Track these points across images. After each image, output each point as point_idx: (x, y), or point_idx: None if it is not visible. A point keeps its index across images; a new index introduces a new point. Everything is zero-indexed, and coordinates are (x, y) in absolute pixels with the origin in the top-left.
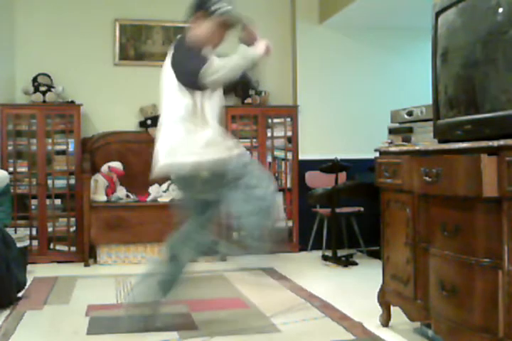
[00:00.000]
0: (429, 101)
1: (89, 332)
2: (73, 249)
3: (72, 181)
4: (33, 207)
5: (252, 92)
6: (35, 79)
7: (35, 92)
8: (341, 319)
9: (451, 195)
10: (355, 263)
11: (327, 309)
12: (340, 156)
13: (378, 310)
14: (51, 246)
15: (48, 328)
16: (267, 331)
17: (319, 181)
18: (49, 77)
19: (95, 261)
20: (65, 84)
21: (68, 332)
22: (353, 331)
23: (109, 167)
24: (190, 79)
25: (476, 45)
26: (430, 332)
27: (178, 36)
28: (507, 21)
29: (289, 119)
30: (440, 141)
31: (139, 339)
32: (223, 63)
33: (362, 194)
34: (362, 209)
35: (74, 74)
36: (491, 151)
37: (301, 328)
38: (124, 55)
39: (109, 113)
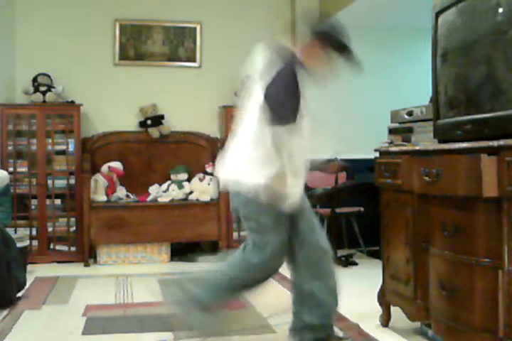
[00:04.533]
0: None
1: (85, 332)
2: (73, 248)
3: (72, 181)
4: (33, 207)
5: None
6: (35, 79)
7: (35, 92)
8: (338, 320)
9: (451, 195)
10: (355, 263)
11: None
12: (340, 156)
13: (378, 310)
14: (51, 246)
15: (44, 328)
16: (262, 332)
17: (319, 181)
18: (49, 77)
19: (95, 261)
20: (65, 84)
21: (63, 332)
22: (348, 332)
23: (109, 167)
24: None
25: (476, 45)
26: (430, 332)
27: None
28: (507, 21)
29: None
30: (440, 141)
31: (134, 340)
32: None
33: (362, 194)
34: (362, 209)
35: (74, 74)
36: (491, 151)
37: None
38: (124, 55)
39: (109, 113)
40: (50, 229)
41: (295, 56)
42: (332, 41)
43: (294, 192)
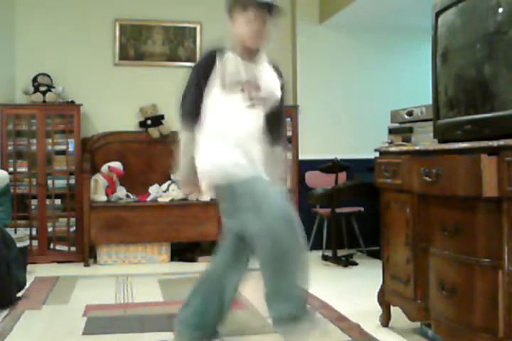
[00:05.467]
0: (429, 101)
1: (85, 332)
2: (73, 249)
3: (72, 181)
4: (33, 207)
5: None
6: (35, 79)
7: (35, 92)
8: (339, 320)
9: (451, 195)
10: (355, 263)
11: (325, 310)
12: (340, 156)
13: (378, 310)
14: (51, 246)
15: (45, 328)
16: (263, 332)
17: (319, 181)
18: (49, 77)
19: (95, 261)
20: (65, 84)
21: (64, 332)
22: (349, 332)
23: (109, 167)
24: None
25: (476, 45)
26: (430, 332)
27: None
28: (507, 21)
29: (289, 119)
30: (440, 141)
31: (134, 340)
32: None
33: (362, 194)
34: (362, 209)
35: (74, 74)
36: (491, 151)
37: None
38: (124, 55)
39: (109, 113)
40: (50, 229)
41: (221, 46)
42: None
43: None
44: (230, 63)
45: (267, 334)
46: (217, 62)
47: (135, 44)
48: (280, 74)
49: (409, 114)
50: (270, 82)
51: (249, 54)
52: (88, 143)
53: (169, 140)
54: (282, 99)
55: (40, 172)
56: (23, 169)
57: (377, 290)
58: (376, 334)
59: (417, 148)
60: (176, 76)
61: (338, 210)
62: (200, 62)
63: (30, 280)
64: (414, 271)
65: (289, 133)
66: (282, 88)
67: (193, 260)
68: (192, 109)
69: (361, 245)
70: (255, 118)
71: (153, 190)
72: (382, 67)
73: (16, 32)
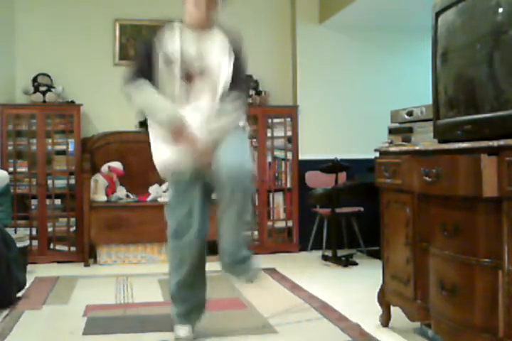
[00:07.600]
0: (429, 101)
1: (86, 333)
2: (73, 249)
3: (72, 181)
4: (33, 207)
5: (251, 92)
6: (35, 79)
7: (35, 92)
8: (339, 320)
9: (451, 195)
10: (355, 263)
11: (325, 310)
12: (340, 156)
13: (378, 310)
14: (51, 246)
15: (45, 328)
16: (263, 332)
17: (319, 181)
18: (49, 77)
19: (95, 261)
20: (65, 84)
21: (64, 332)
22: (349, 332)
23: (109, 167)
24: None
25: (476, 45)
26: (430, 332)
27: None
28: (507, 21)
29: (289, 119)
30: (440, 141)
31: (135, 340)
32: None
33: (362, 194)
34: (362, 209)
35: (74, 74)
36: (491, 151)
37: (298, 329)
38: (124, 55)
39: (109, 113)
40: (50, 229)
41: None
42: None
43: (167, 158)
44: (170, 38)
45: (266, 334)
46: (161, 37)
47: (135, 44)
48: (235, 41)
49: (409, 114)
50: (215, 54)
51: (197, 26)
52: (88, 143)
53: None
54: (236, 64)
55: (40, 172)
56: (23, 169)
57: (377, 290)
58: (376, 334)
59: (417, 148)
60: None
61: (338, 210)
62: (145, 41)
63: (30, 280)
64: (414, 271)
65: (289, 133)
66: (236, 53)
67: None
68: (140, 69)
69: (361, 245)
70: (192, 91)
71: (153, 190)
72: (382, 67)
73: (16, 32)
